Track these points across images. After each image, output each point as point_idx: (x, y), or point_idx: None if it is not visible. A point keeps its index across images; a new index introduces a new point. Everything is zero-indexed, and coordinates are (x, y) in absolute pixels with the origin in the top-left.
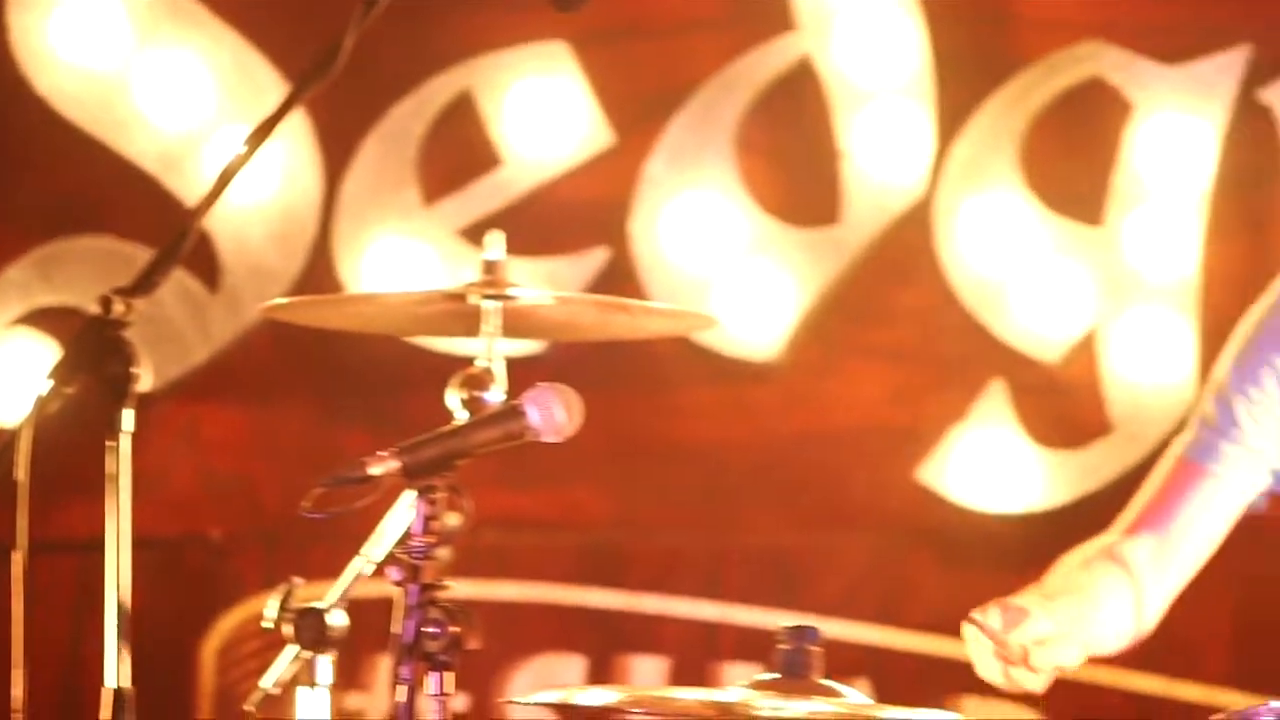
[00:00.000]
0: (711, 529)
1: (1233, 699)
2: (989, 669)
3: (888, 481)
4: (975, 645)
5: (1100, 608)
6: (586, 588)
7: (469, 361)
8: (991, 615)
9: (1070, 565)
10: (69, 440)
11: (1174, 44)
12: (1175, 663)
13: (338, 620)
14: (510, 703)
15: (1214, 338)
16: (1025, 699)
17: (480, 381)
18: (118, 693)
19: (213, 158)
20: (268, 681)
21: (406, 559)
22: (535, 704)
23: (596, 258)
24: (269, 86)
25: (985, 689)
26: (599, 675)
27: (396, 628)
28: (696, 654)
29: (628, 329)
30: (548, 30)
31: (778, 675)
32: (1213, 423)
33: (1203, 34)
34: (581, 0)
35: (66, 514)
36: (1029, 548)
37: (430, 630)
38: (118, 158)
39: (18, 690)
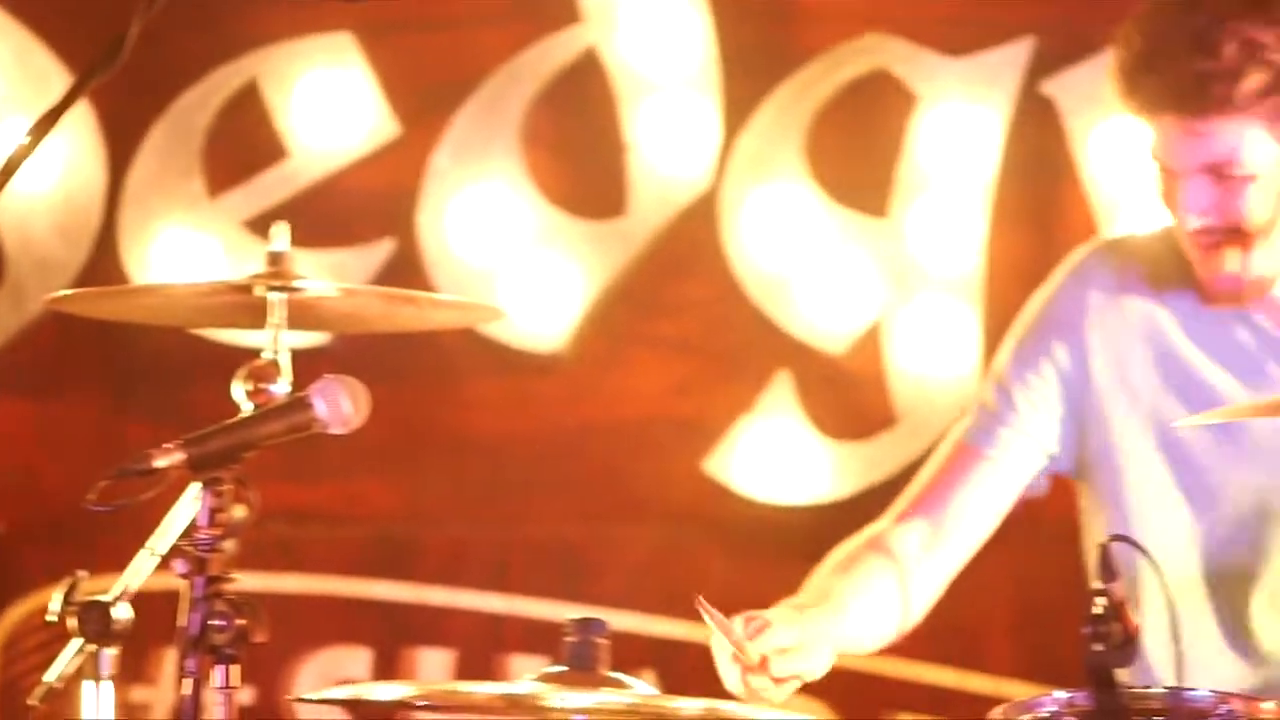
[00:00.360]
0: (498, 521)
1: (1018, 689)
2: (729, 675)
3: (674, 473)
4: (717, 652)
5: (856, 610)
6: (373, 580)
7: (255, 354)
8: (737, 624)
9: (827, 569)
10: None
11: (957, 36)
12: (962, 654)
13: (123, 613)
14: (299, 700)
15: (998, 328)
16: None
17: (266, 374)
18: None
19: None
20: (52, 675)
21: (192, 551)
22: (325, 701)
23: (383, 249)
24: (52, 77)
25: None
26: (385, 668)
27: (182, 621)
28: (483, 646)
29: (414, 321)
30: (334, 21)
31: (565, 668)
32: (991, 408)
33: (985, 26)
34: None
35: None
36: (815, 539)
37: (216, 623)
38: None
39: None
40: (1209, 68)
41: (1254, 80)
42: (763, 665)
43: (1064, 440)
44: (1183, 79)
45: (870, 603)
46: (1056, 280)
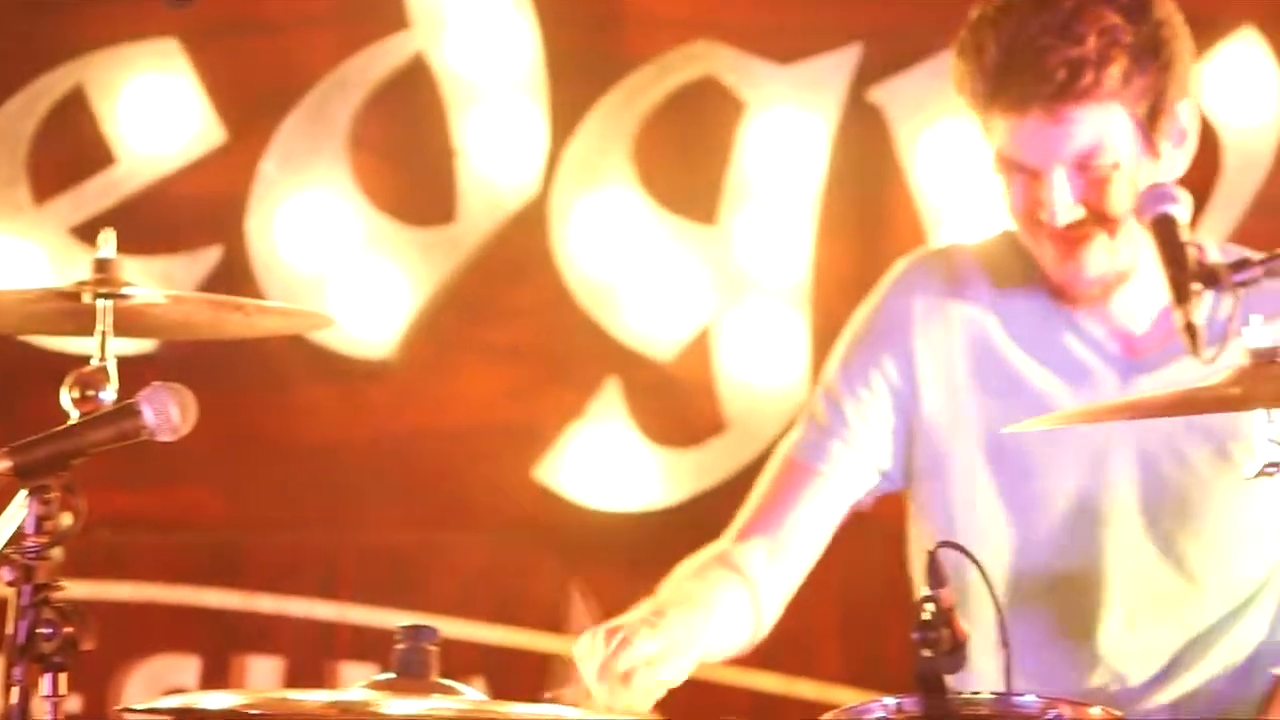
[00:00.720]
0: (328, 528)
1: (847, 695)
2: (596, 689)
3: (505, 480)
4: (582, 664)
5: (715, 615)
6: (202, 588)
7: (83, 360)
8: (598, 639)
9: (683, 574)
10: None
11: (785, 43)
12: (791, 661)
13: None
14: (128, 711)
15: (825, 337)
16: None
17: (94, 381)
18: None
19: None
20: None
21: (19, 559)
22: (154, 711)
23: (211, 256)
24: None
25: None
26: (214, 676)
27: (9, 629)
28: (312, 654)
29: (242, 328)
30: (160, 27)
31: (395, 675)
32: (822, 422)
33: (813, 34)
34: None
35: None
36: (645, 546)
37: (44, 631)
38: None
39: None
40: (1077, 56)
41: (1118, 66)
42: (627, 679)
43: (895, 452)
44: (1051, 70)
45: (725, 613)
46: (883, 289)
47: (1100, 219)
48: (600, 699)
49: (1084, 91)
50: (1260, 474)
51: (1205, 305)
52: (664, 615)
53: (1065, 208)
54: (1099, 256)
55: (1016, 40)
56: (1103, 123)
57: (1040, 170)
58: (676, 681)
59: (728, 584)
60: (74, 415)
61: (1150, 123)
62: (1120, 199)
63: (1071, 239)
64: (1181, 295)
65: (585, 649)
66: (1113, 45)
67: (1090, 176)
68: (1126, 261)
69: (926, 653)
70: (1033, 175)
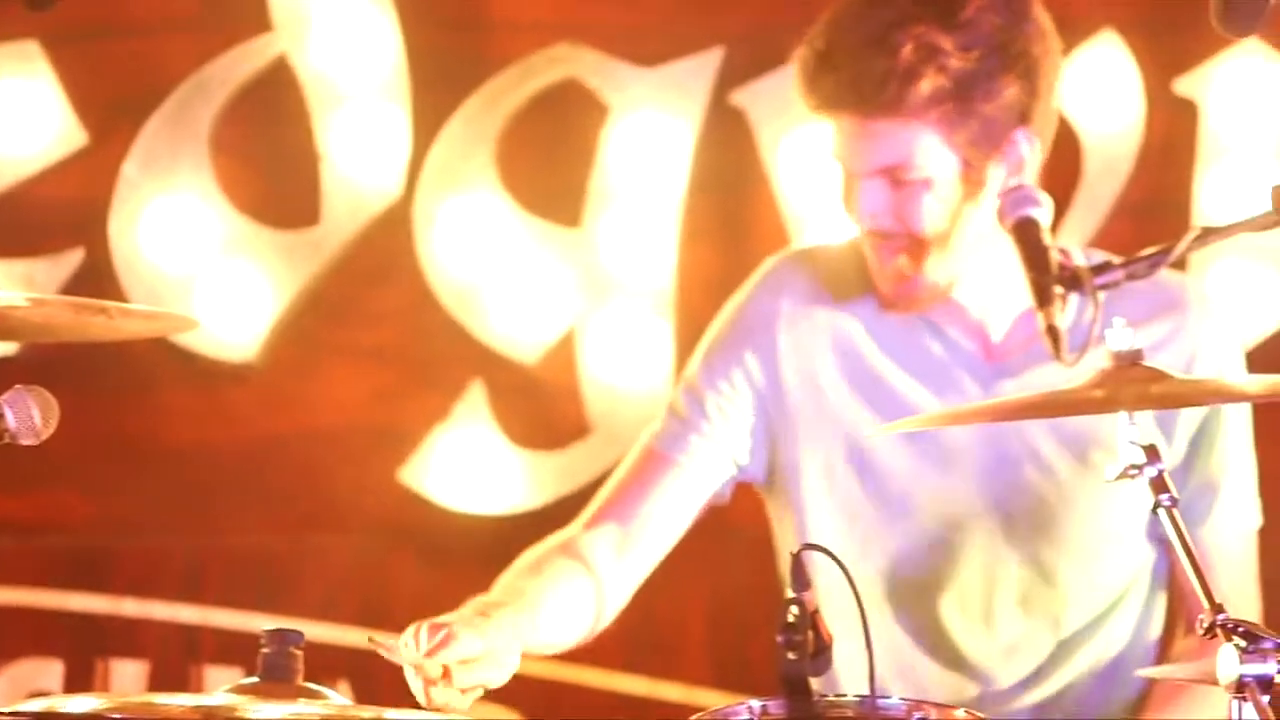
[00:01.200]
0: (192, 531)
1: (712, 698)
2: (413, 685)
3: (370, 482)
4: (409, 678)
5: (548, 611)
6: (65, 591)
7: None
8: (422, 634)
9: (522, 566)
10: None
11: (648, 46)
12: (657, 663)
13: None
14: None
15: (690, 339)
16: (504, 698)
17: None
18: None
19: None
20: None
21: None
22: (17, 714)
23: (73, 259)
24: None
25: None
26: (78, 680)
27: None
28: (177, 657)
29: (105, 330)
30: (20, 28)
31: (259, 679)
32: (682, 414)
33: (675, 37)
34: None
35: None
36: (510, 548)
37: None
38: None
39: None
40: (886, 66)
41: (929, 83)
42: (446, 676)
43: (754, 449)
44: (860, 77)
45: (562, 604)
46: (748, 289)
47: (907, 232)
48: (416, 693)
49: (891, 103)
50: (1122, 476)
51: (1069, 309)
52: (489, 617)
53: (870, 215)
54: (905, 268)
55: (836, 41)
56: (911, 138)
57: (854, 174)
58: (497, 683)
59: (569, 576)
60: None
61: (972, 147)
62: (931, 218)
63: (877, 246)
64: (1044, 298)
65: (408, 641)
66: (927, 62)
67: (899, 190)
68: (943, 279)
69: (791, 655)
70: (850, 177)
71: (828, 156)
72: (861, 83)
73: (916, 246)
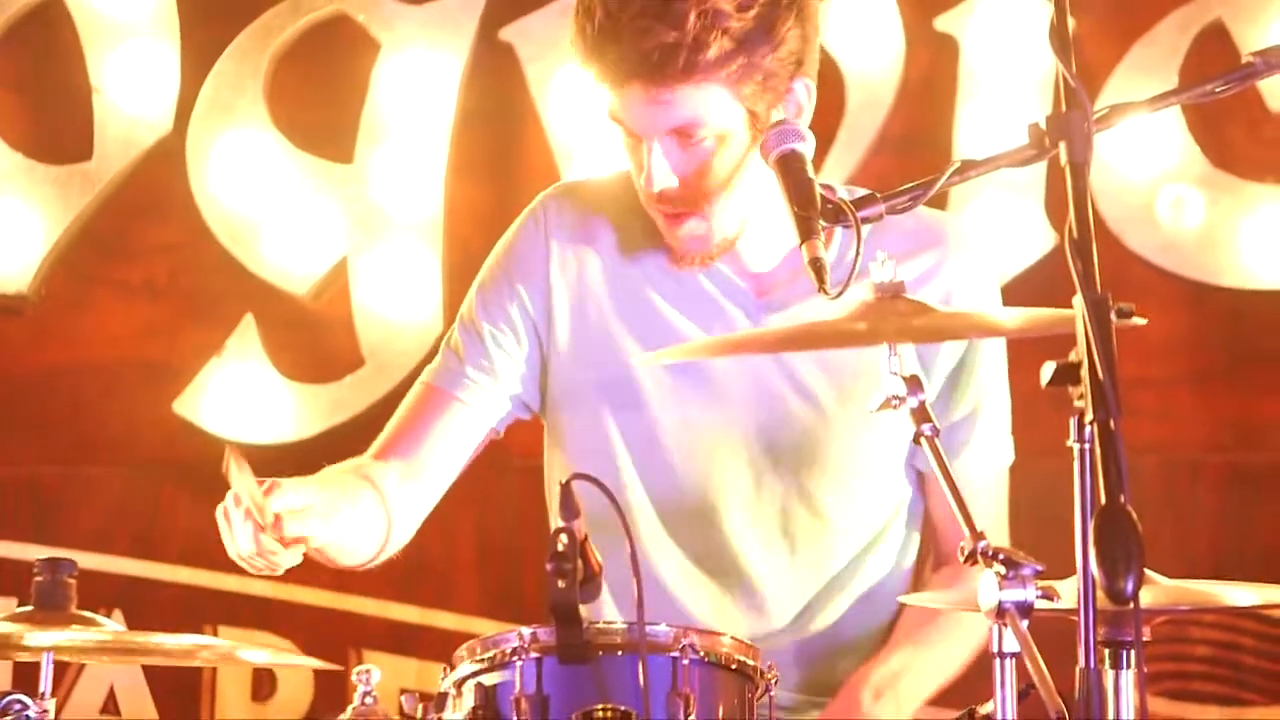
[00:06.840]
0: None
1: (484, 626)
2: (243, 543)
3: (143, 415)
4: (236, 525)
5: (348, 513)
6: None
7: None
8: (250, 481)
9: (319, 477)
10: None
11: None
12: (429, 592)
13: None
14: None
15: (459, 272)
16: (278, 628)
17: None
18: None
19: None
20: None
21: None
22: None
23: None
24: None
25: (240, 619)
26: None
27: None
28: None
29: None
30: None
31: (33, 607)
32: (460, 351)
33: None
34: None
35: None
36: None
37: None
38: None
39: None
40: (673, 39)
41: (716, 48)
42: (276, 525)
43: (527, 383)
44: (647, 50)
45: (359, 515)
46: (518, 225)
47: (698, 190)
48: (244, 546)
49: (679, 74)
50: (884, 407)
51: (833, 244)
52: (310, 485)
53: (661, 176)
54: (697, 228)
55: (620, 14)
56: (702, 99)
57: (641, 137)
58: (321, 542)
59: (364, 492)
60: None
61: (757, 98)
62: (722, 169)
63: (670, 214)
64: (807, 231)
65: (239, 489)
66: (711, 29)
67: (690, 149)
68: (733, 228)
69: (560, 583)
70: (635, 138)
71: (604, 116)
72: (649, 56)
73: (706, 205)
